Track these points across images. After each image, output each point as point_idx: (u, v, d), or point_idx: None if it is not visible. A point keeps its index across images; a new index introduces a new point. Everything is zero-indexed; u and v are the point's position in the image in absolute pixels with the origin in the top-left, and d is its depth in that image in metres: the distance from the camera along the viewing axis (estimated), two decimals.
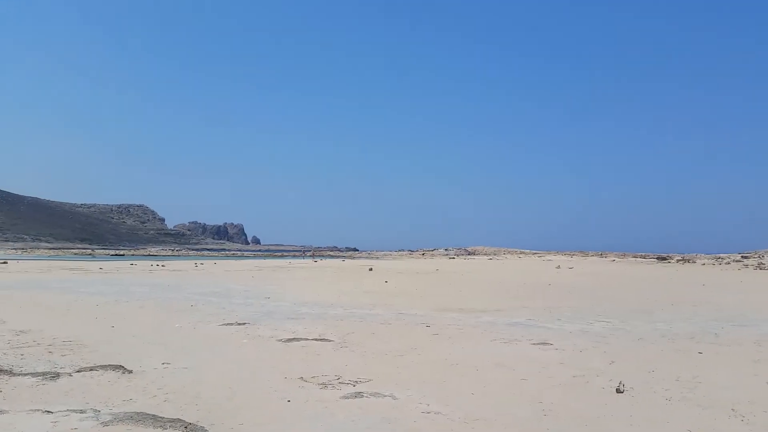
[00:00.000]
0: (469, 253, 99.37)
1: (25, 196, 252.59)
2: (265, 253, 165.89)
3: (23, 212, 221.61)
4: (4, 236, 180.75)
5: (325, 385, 7.60)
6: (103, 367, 8.37)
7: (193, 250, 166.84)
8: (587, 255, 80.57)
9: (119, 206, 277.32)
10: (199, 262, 59.29)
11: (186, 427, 5.76)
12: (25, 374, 7.90)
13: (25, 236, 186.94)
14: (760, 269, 39.76)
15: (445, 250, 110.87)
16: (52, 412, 6.18)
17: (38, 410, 6.26)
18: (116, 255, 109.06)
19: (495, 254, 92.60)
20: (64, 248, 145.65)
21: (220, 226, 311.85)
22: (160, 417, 6.05)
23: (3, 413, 6.13)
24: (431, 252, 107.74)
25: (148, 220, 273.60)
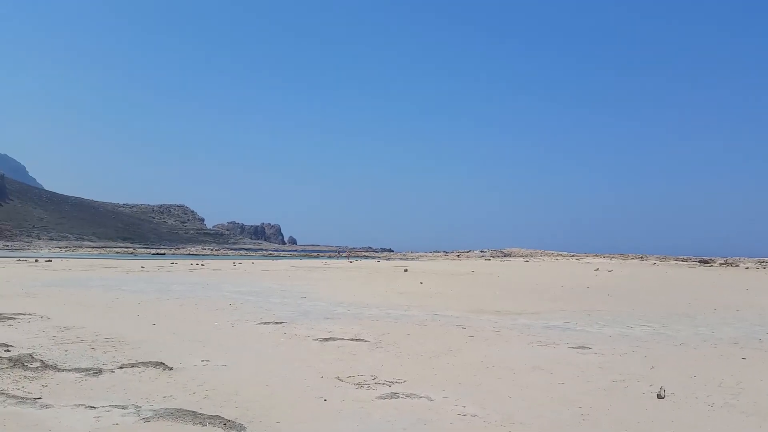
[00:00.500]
0: (505, 255, 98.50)
1: (69, 196, 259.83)
2: (301, 253, 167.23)
3: (67, 212, 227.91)
4: (49, 235, 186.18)
5: (361, 385, 7.64)
6: (145, 363, 8.56)
7: (231, 249, 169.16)
8: (627, 257, 79.06)
9: (160, 206, 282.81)
10: (237, 261, 60.15)
11: (225, 424, 5.85)
12: (69, 370, 8.13)
13: (69, 235, 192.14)
14: None
15: (481, 251, 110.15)
16: (95, 407, 6.35)
17: (82, 405, 6.43)
18: (157, 254, 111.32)
19: (531, 256, 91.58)
20: (106, 247, 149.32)
21: (257, 226, 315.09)
22: (200, 414, 6.16)
23: (48, 407, 6.33)
24: (466, 254, 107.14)
25: (188, 220, 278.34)
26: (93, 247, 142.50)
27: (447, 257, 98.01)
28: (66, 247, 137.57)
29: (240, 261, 61.00)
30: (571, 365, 9.19)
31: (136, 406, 6.42)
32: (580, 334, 12.43)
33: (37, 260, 51.30)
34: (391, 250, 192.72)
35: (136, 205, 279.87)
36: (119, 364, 8.53)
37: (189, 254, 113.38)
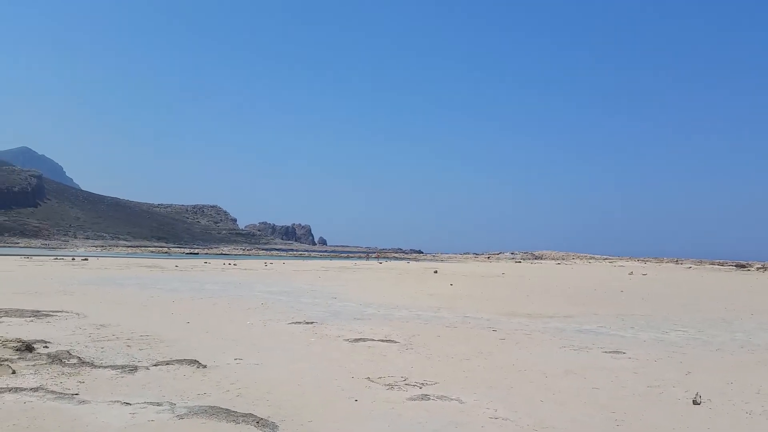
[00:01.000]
0: (536, 258, 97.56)
1: (105, 197, 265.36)
2: (331, 254, 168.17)
3: (103, 212, 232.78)
4: (85, 234, 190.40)
5: (391, 386, 7.65)
6: (179, 361, 8.70)
7: (262, 249, 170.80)
8: (662, 261, 77.76)
9: (194, 207, 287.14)
10: (268, 261, 60.74)
11: (258, 422, 5.92)
12: (106, 366, 8.30)
13: (105, 234, 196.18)
14: None
15: (511, 254, 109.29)
16: (130, 404, 6.46)
17: (118, 401, 6.55)
18: (191, 253, 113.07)
19: (563, 259, 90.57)
20: (141, 246, 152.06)
21: (288, 227, 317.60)
22: (233, 411, 6.24)
23: (85, 403, 6.46)
24: (497, 255, 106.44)
25: (221, 220, 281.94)
26: (128, 247, 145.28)
27: (477, 259, 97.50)
28: (102, 246, 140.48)
29: (271, 261, 61.62)
30: (604, 370, 9.07)
31: (171, 403, 6.52)
32: (613, 339, 12.26)
33: (73, 259, 52.53)
34: (420, 252, 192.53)
35: (170, 206, 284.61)
36: (154, 362, 8.68)
37: (222, 254, 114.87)
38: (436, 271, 44.33)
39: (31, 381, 7.27)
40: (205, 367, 8.44)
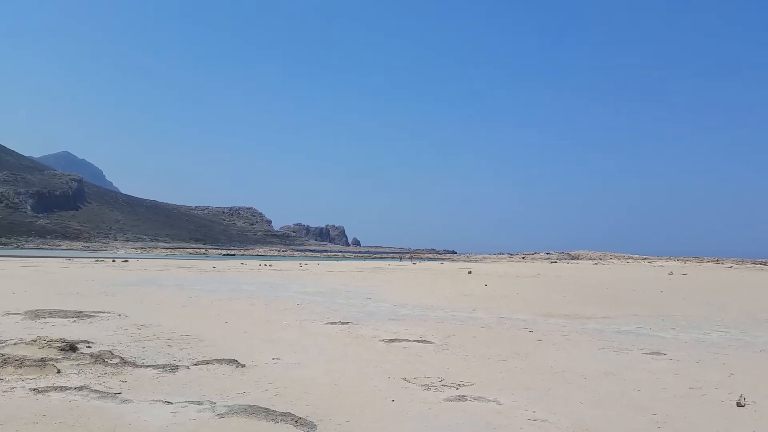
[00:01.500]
0: (572, 258, 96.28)
1: (144, 199, 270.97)
2: (365, 254, 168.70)
3: (143, 214, 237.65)
4: (125, 236, 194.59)
5: (428, 387, 7.63)
6: (219, 360, 8.83)
7: (297, 250, 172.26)
8: (702, 261, 76.02)
9: (230, 209, 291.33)
10: (303, 262, 61.23)
11: (297, 422, 5.97)
12: (147, 366, 8.47)
13: (145, 236, 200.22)
14: None
15: (547, 254, 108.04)
16: (171, 403, 6.58)
17: (159, 401, 6.68)
18: (227, 255, 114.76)
19: (600, 259, 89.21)
20: (179, 248, 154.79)
21: (322, 228, 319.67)
22: (272, 410, 6.30)
23: (128, 402, 6.60)
24: (531, 255, 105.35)
25: (256, 222, 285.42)
26: (167, 248, 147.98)
27: (511, 259, 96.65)
28: (141, 248, 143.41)
29: (306, 262, 62.12)
30: (644, 371, 8.90)
31: (211, 402, 6.63)
32: (653, 340, 12.03)
33: (114, 261, 53.75)
34: (454, 252, 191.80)
35: (207, 208, 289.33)
36: (194, 361, 8.82)
37: (257, 255, 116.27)
38: (470, 272, 44.10)
39: (75, 380, 7.46)
40: (243, 366, 8.54)
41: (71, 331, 11.19)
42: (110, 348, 9.54)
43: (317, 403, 6.72)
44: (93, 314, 13.67)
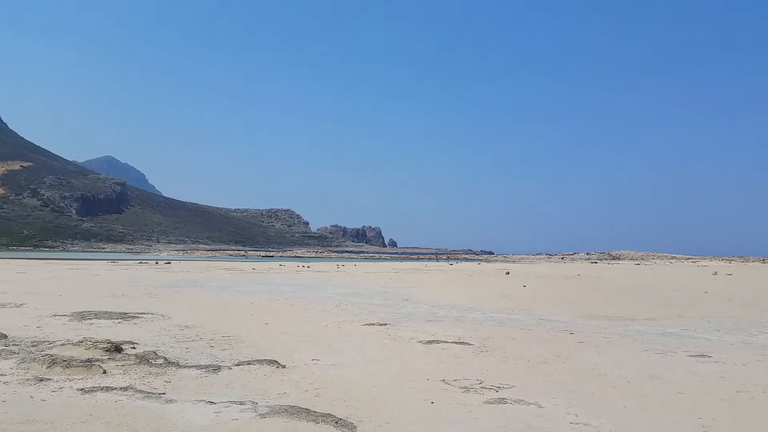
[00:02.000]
0: (613, 258, 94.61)
1: (185, 202, 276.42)
2: (402, 255, 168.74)
3: (184, 217, 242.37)
4: (168, 238, 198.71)
5: (467, 389, 7.59)
6: (260, 361, 8.94)
7: (334, 252, 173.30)
8: (747, 260, 73.87)
9: (268, 211, 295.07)
10: (340, 263, 61.58)
11: (337, 423, 6.01)
12: (190, 366, 8.62)
13: (186, 238, 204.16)
14: None
15: (587, 254, 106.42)
16: (214, 403, 6.68)
17: (202, 401, 6.79)
18: (266, 256, 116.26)
19: (642, 259, 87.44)
20: (220, 249, 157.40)
21: (359, 229, 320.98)
22: (313, 411, 6.35)
23: (172, 402, 6.72)
24: (571, 256, 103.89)
25: (294, 223, 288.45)
26: (208, 250, 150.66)
27: (550, 260, 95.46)
28: (183, 250, 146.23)
29: (343, 263, 62.45)
30: (690, 374, 8.69)
31: (253, 402, 6.71)
32: (698, 342, 11.73)
33: (157, 262, 54.95)
34: (491, 253, 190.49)
35: (246, 210, 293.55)
36: (236, 362, 8.95)
37: (295, 256, 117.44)
38: (508, 273, 43.70)
39: (120, 380, 7.64)
40: (284, 367, 8.63)
41: (116, 332, 11.46)
42: (154, 349, 9.73)
43: (357, 405, 6.74)
44: (137, 315, 13.98)
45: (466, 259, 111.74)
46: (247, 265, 51.14)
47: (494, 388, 7.67)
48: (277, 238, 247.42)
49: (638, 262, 77.92)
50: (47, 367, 7.98)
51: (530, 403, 6.92)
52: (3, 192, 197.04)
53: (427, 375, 8.37)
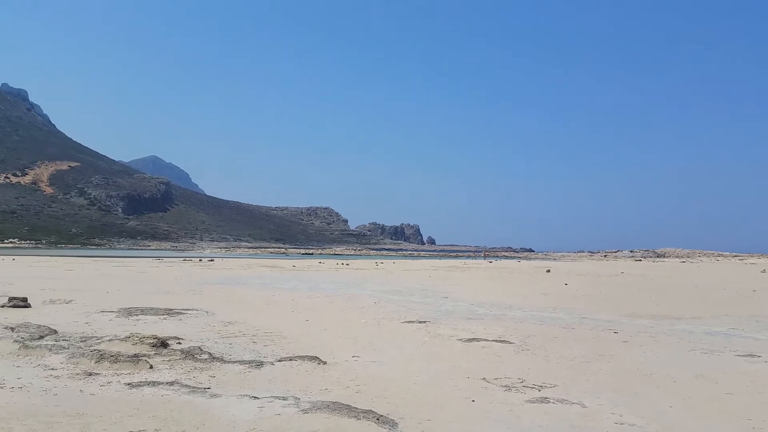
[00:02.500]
0: (658, 256, 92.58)
1: (228, 201, 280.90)
2: (440, 253, 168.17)
3: (226, 215, 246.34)
4: (210, 236, 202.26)
5: (508, 388, 7.54)
6: (301, 357, 9.05)
7: (372, 249, 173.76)
8: None
9: (308, 209, 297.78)
10: (378, 261, 61.72)
11: (378, 419, 6.05)
12: (234, 362, 8.77)
13: (228, 236, 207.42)
14: None
15: (630, 252, 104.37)
16: (258, 398, 6.79)
17: (246, 395, 6.90)
18: (306, 254, 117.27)
19: (688, 257, 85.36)
20: (261, 247, 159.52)
21: (397, 227, 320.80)
22: (354, 407, 6.40)
23: (217, 397, 6.86)
24: (614, 254, 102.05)
25: (333, 221, 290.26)
26: (249, 248, 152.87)
27: (592, 258, 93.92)
28: (225, 248, 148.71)
29: (382, 261, 62.56)
30: (738, 374, 8.46)
31: (296, 398, 6.80)
32: (747, 341, 11.40)
33: (200, 260, 56.00)
34: (531, 250, 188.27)
35: (286, 208, 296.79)
36: (278, 357, 9.08)
37: (334, 254, 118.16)
38: (548, 270, 43.15)
39: (166, 375, 7.82)
40: (325, 363, 8.72)
41: (162, 327, 11.73)
42: (199, 344, 9.93)
43: (397, 402, 6.77)
44: (182, 311, 14.28)
45: (506, 257, 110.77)
46: (287, 263, 51.72)
47: (536, 387, 7.61)
48: (316, 236, 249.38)
49: (684, 260, 76.05)
50: (96, 362, 8.23)
51: (573, 403, 6.84)
52: (52, 191, 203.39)
53: (468, 373, 8.34)
